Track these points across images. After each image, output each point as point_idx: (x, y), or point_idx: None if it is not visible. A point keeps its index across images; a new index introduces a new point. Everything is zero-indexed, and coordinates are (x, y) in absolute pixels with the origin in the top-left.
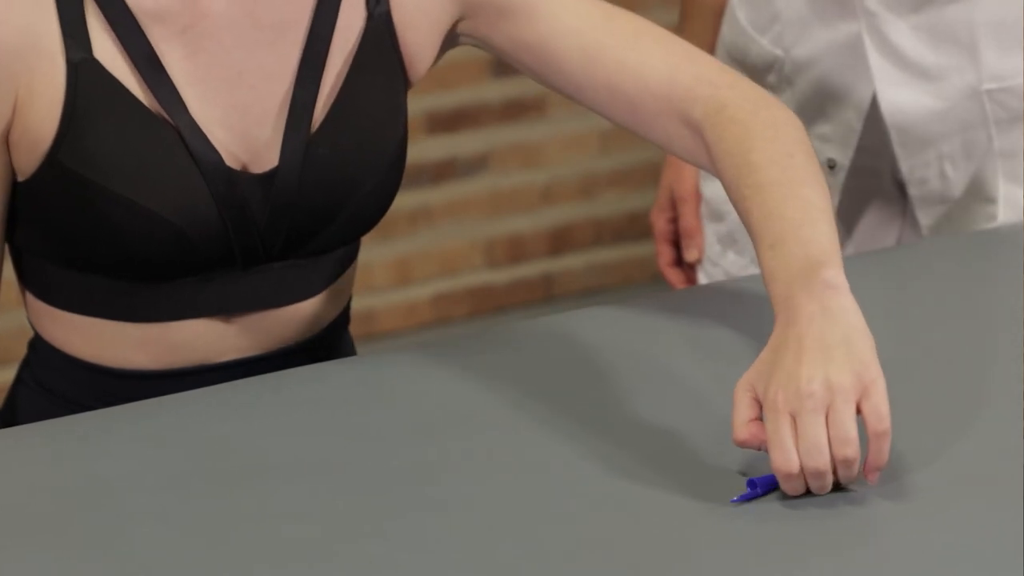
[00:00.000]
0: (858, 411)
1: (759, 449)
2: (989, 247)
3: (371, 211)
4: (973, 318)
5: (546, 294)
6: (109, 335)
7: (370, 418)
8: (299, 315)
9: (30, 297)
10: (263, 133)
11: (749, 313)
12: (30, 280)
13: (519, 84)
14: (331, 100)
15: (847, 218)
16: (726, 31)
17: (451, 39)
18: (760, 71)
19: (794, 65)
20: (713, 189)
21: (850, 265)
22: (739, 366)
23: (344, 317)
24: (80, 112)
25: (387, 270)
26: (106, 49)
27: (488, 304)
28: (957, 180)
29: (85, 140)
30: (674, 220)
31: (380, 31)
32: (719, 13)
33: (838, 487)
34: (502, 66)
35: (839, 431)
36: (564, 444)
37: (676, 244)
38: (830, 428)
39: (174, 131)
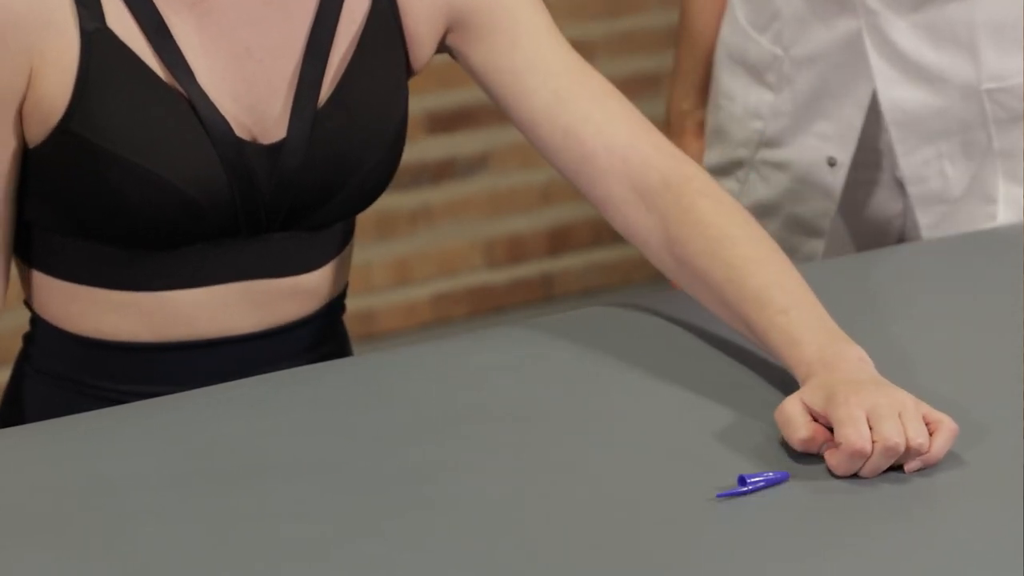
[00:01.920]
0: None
1: (819, 450)
2: (989, 247)
3: (371, 188)
4: (973, 318)
5: (546, 294)
6: (112, 305)
7: (369, 418)
8: (297, 290)
9: (34, 274)
10: (271, 107)
11: None
12: (36, 256)
13: None
14: (337, 78)
15: (847, 218)
16: (726, 31)
17: (441, 45)
18: (760, 70)
19: (794, 64)
20: None
21: (850, 265)
22: (738, 366)
23: (340, 302)
24: (93, 81)
25: (387, 270)
26: (119, 19)
27: (488, 304)
28: (956, 179)
29: (97, 108)
30: None
31: (385, 14)
32: (717, 19)
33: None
34: None
35: (912, 424)
36: (563, 444)
37: None
38: (905, 423)
39: (185, 100)
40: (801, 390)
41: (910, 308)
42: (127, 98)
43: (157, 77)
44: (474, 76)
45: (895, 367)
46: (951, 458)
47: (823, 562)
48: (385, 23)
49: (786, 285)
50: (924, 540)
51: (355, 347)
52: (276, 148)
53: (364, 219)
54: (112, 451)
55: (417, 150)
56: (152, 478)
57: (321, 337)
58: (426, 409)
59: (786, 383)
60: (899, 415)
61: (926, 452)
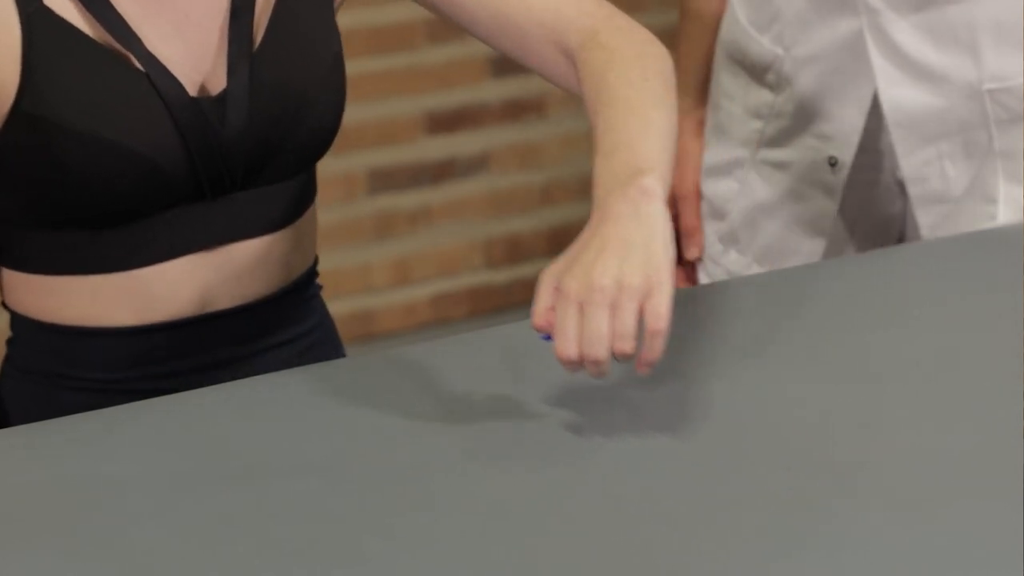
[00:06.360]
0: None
1: (551, 337)
2: (989, 247)
3: (322, 127)
4: (973, 318)
5: None
6: (87, 291)
7: (369, 418)
8: (267, 257)
9: (8, 272)
10: (210, 65)
11: (750, 312)
12: (7, 254)
13: (519, 84)
14: (263, 22)
15: (847, 218)
16: (726, 30)
17: None
18: (760, 70)
19: (795, 64)
20: (714, 188)
21: (850, 265)
22: (741, 365)
23: (312, 274)
24: (39, 60)
25: (386, 270)
26: None
27: (487, 304)
28: (957, 179)
29: (47, 86)
30: (674, 219)
31: None
32: (717, 19)
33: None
34: (502, 66)
35: (620, 326)
36: (564, 444)
37: (676, 243)
38: (613, 322)
39: (134, 66)
40: (560, 257)
41: (910, 308)
42: (75, 71)
43: (102, 47)
44: None
45: (895, 367)
46: (951, 458)
47: (817, 562)
48: None
49: (622, 128)
50: (922, 540)
51: (355, 348)
52: (220, 101)
53: (364, 219)
54: (111, 451)
55: (417, 150)
56: (152, 478)
57: (302, 312)
58: (425, 409)
59: (785, 382)
60: (612, 306)
61: (631, 357)
